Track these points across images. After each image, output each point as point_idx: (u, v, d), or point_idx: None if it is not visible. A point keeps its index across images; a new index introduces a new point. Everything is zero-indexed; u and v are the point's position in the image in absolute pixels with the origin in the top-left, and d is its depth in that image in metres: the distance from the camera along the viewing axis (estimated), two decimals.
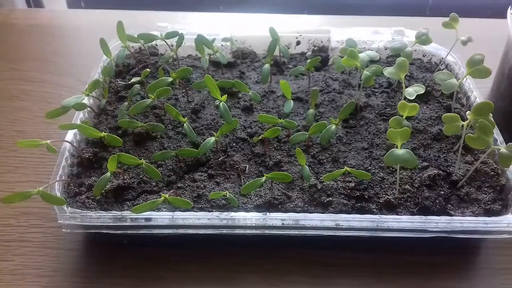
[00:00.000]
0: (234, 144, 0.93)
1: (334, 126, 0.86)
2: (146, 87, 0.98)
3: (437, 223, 0.78)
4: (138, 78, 0.97)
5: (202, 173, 0.89)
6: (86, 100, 0.92)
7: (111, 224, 0.78)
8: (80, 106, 0.88)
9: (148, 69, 0.96)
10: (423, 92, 0.88)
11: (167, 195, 0.76)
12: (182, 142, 0.93)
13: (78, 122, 0.92)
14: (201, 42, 1.00)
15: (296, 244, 0.84)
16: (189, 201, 0.77)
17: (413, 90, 0.88)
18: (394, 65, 0.90)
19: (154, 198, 0.83)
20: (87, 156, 0.89)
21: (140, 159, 0.82)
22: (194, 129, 0.95)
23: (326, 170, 0.89)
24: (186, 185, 0.87)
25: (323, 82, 1.09)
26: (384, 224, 0.78)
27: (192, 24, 1.24)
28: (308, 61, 1.01)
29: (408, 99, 0.88)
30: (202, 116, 0.99)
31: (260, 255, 0.84)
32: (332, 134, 0.86)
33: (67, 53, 1.39)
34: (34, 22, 1.53)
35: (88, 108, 0.95)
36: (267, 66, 0.99)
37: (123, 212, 0.79)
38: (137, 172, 0.88)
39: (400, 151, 0.74)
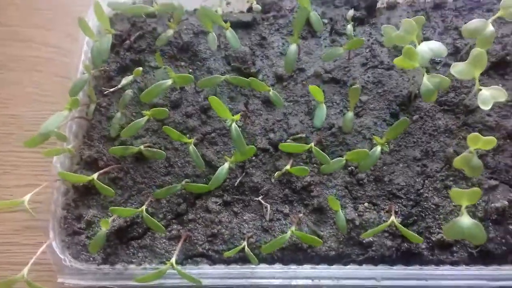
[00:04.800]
0: (254, 157, 0.76)
1: (379, 149, 0.67)
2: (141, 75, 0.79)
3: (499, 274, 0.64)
4: (129, 78, 0.77)
5: (216, 199, 0.74)
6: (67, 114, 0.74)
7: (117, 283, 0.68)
8: (60, 137, 0.72)
9: (140, 68, 0.75)
10: (504, 100, 0.64)
11: (173, 262, 0.64)
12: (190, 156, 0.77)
13: (67, 131, 0.77)
14: (206, 16, 0.76)
15: None
16: (198, 279, 0.64)
17: (490, 96, 0.65)
18: (467, 59, 0.66)
19: (161, 236, 0.72)
20: (81, 182, 0.76)
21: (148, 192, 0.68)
22: (204, 137, 0.78)
23: (367, 195, 0.72)
24: (198, 216, 0.74)
25: (367, 50, 0.84)
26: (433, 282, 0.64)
27: None
28: (348, 42, 0.76)
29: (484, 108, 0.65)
30: (214, 116, 0.80)
31: None
32: (376, 160, 0.67)
33: None
34: None
35: (75, 116, 0.79)
36: (293, 48, 0.75)
37: (128, 268, 0.69)
38: (141, 201, 0.75)
39: (465, 221, 0.56)
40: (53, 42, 1.05)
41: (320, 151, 0.67)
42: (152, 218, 0.67)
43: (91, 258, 0.72)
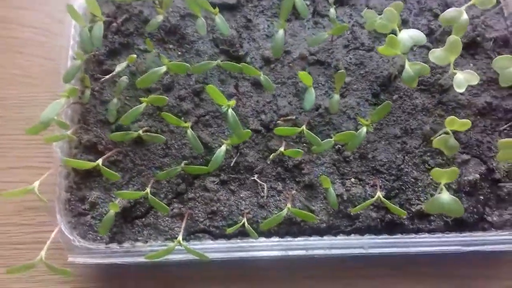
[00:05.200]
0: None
1: (364, 130, 0.73)
2: (134, 59, 0.80)
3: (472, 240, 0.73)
4: (123, 65, 0.79)
5: (214, 179, 0.79)
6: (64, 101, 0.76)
7: (126, 260, 0.73)
8: (62, 125, 0.74)
9: (134, 56, 0.77)
10: (476, 83, 0.71)
11: (180, 239, 0.69)
12: (187, 138, 0.81)
13: (63, 116, 0.79)
14: (193, 1, 0.78)
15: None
16: (205, 255, 0.70)
17: (464, 80, 0.71)
18: (443, 46, 0.72)
19: (164, 214, 0.77)
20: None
21: (149, 174, 0.72)
22: (198, 120, 0.82)
23: (353, 171, 0.79)
24: (197, 195, 0.78)
25: (349, 32, 0.88)
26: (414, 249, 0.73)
27: None
28: (332, 27, 0.80)
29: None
30: (206, 98, 0.84)
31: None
32: (362, 140, 0.73)
33: None
34: None
35: (71, 101, 0.80)
36: (280, 34, 0.78)
37: (135, 245, 0.74)
38: (142, 182, 0.79)
39: (445, 198, 0.64)
40: (32, 22, 1.03)
41: (311, 133, 0.72)
42: (157, 200, 0.71)
43: (98, 238, 0.76)
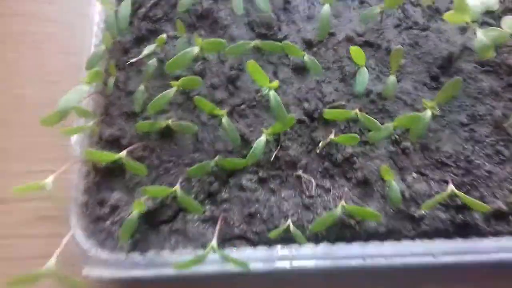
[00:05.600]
0: (288, 129, 0.71)
1: (429, 114, 0.62)
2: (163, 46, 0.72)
3: None
4: (151, 47, 0.70)
5: (251, 176, 0.69)
6: (87, 89, 0.68)
7: (150, 273, 0.63)
8: (82, 113, 0.65)
9: (163, 36, 0.69)
10: None
11: (215, 245, 0.59)
12: (221, 130, 0.71)
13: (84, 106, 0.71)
14: None
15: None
16: (245, 263, 0.59)
17: None
18: None
19: (194, 218, 0.67)
20: (104, 162, 0.70)
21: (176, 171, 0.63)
22: (233, 110, 0.72)
23: (414, 165, 0.68)
24: (232, 195, 0.68)
25: (399, 10, 0.78)
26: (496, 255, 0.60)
27: None
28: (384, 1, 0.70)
29: None
30: (242, 86, 0.74)
31: None
32: (427, 126, 0.62)
33: None
34: None
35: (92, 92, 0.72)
36: (326, 9, 0.69)
37: (161, 255, 0.64)
38: (170, 182, 0.69)
39: None
40: (54, 17, 0.97)
41: (368, 116, 0.62)
42: (188, 197, 0.61)
43: (118, 247, 0.66)
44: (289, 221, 0.62)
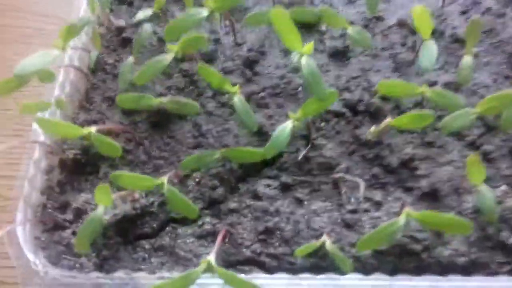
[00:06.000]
0: (323, 123, 0.53)
1: None
2: (167, 22, 0.57)
3: None
4: (148, 12, 0.55)
5: (270, 181, 0.50)
6: (63, 56, 0.52)
7: None
8: (47, 76, 0.48)
9: None
10: None
11: (212, 260, 0.38)
12: (232, 122, 0.54)
13: (57, 93, 0.54)
14: None
15: None
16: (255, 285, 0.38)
17: None
18: None
19: (188, 233, 0.47)
20: (71, 155, 0.52)
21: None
22: (250, 98, 0.55)
23: (502, 175, 0.48)
24: (243, 205, 0.49)
25: None
26: None
27: None
28: None
29: None
30: (261, 72, 0.58)
31: None
32: None
33: None
34: None
35: (70, 68, 0.56)
36: None
37: (134, 277, 0.43)
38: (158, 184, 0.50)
39: None
40: (44, 11, 0.85)
41: (444, 92, 0.43)
42: (180, 194, 0.42)
43: (77, 265, 0.46)
44: (324, 238, 0.42)
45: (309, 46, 0.45)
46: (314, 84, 0.44)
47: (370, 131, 0.48)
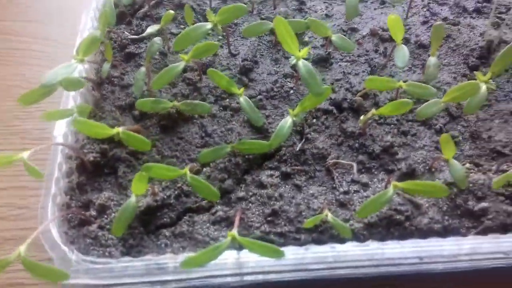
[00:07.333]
0: (314, 119, 0.61)
1: (484, 87, 0.53)
2: (167, 39, 0.64)
3: None
4: (156, 27, 0.62)
5: (272, 172, 0.57)
6: (80, 68, 0.58)
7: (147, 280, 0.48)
8: (72, 84, 0.54)
9: (171, 11, 0.61)
10: None
11: (235, 233, 0.45)
12: (234, 122, 0.61)
13: (71, 104, 0.60)
14: None
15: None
16: (279, 249, 0.45)
17: None
18: None
19: (203, 220, 0.53)
20: (91, 158, 0.57)
21: (181, 168, 0.51)
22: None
23: (465, 155, 0.57)
24: (250, 193, 0.56)
25: (424, 8, 0.73)
26: None
27: None
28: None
29: None
30: (256, 78, 0.65)
31: None
32: (484, 100, 0.53)
33: None
34: None
35: (84, 79, 0.61)
36: None
37: (162, 257, 0.49)
38: (173, 179, 0.56)
39: None
40: (47, 34, 0.89)
41: (418, 83, 0.53)
42: (202, 180, 0.49)
43: (106, 253, 0.52)
44: (326, 211, 0.49)
45: (304, 50, 0.53)
46: (312, 81, 0.52)
47: (360, 119, 0.57)
